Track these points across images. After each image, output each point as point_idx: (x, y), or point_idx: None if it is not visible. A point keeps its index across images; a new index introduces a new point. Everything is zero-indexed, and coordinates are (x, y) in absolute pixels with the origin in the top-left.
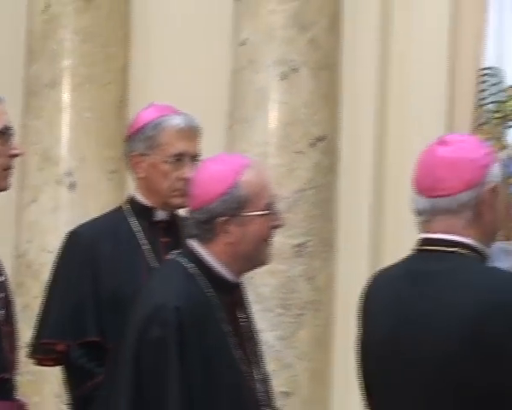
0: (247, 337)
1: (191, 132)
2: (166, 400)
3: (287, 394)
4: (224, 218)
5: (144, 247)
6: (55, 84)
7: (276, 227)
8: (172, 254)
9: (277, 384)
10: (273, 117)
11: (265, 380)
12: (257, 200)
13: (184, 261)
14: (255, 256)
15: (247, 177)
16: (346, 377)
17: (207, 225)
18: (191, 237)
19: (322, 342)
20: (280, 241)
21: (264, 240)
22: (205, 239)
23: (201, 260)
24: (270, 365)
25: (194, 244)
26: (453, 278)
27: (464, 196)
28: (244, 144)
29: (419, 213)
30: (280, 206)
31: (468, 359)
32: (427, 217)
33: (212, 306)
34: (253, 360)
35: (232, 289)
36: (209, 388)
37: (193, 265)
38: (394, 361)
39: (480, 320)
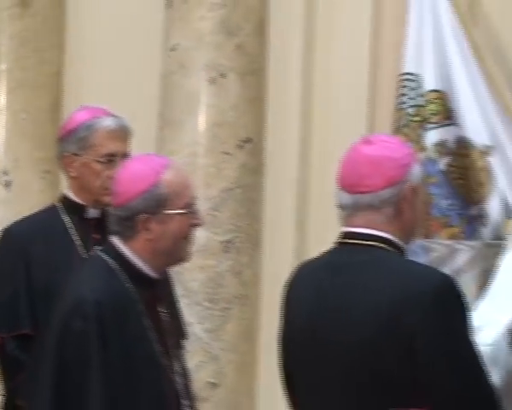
0: (167, 331)
1: (122, 133)
2: (88, 389)
3: (214, 384)
4: (144, 215)
5: (76, 242)
6: None
7: (195, 226)
8: (95, 250)
9: (205, 376)
10: (202, 119)
11: (185, 373)
12: (177, 199)
13: (106, 257)
14: (175, 253)
15: (168, 176)
16: (271, 369)
17: (128, 222)
18: (113, 233)
19: (249, 335)
20: (208, 237)
21: (184, 238)
22: (126, 236)
23: (122, 256)
24: (198, 356)
25: (116, 241)
26: (371, 270)
27: (386, 193)
28: (174, 145)
29: (342, 208)
30: (208, 204)
31: (383, 347)
32: (349, 212)
33: (132, 300)
34: (173, 354)
35: (152, 284)
36: (129, 380)
37: (114, 260)
38: (314, 348)
39: (395, 310)
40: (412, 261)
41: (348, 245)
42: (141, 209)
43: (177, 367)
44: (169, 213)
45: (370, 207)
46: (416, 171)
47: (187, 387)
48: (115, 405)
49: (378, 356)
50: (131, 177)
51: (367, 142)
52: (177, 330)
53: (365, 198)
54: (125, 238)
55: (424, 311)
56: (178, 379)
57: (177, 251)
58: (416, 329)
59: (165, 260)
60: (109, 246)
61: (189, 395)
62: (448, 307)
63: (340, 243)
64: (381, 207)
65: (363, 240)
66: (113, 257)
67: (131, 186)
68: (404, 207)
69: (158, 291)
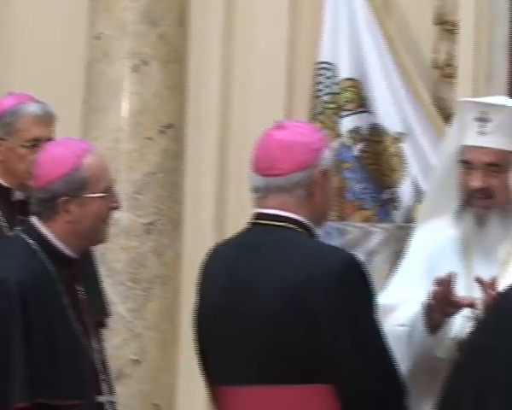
0: (85, 310)
1: (47, 119)
2: (10, 365)
3: (137, 361)
4: (65, 198)
5: (2, 224)
6: None
7: (113, 209)
8: (16, 231)
9: (128, 353)
10: (125, 106)
11: (102, 351)
12: (97, 182)
13: (26, 237)
14: (93, 234)
15: (89, 160)
16: (191, 346)
17: (49, 204)
18: (33, 214)
19: (170, 314)
20: (131, 219)
21: (103, 220)
22: (46, 217)
23: (42, 237)
24: (122, 335)
25: (36, 221)
26: (280, 249)
27: (297, 176)
28: (98, 131)
29: (255, 190)
30: (131, 188)
31: (289, 323)
32: (262, 194)
33: (51, 280)
34: (91, 332)
35: (70, 264)
36: (49, 356)
37: (34, 241)
38: (224, 323)
39: (301, 288)
40: (320, 242)
41: (260, 226)
42: (61, 192)
43: (95, 345)
44: (89, 196)
45: (282, 189)
46: (327, 156)
47: (104, 364)
48: (36, 380)
49: (284, 331)
50: (53, 160)
51: (279, 127)
52: (96, 309)
53: (277, 181)
54: (45, 219)
55: (329, 290)
56: (96, 356)
57: (95, 233)
58: (321, 307)
59: (84, 241)
60: (29, 227)
61: (106, 371)
62: (352, 286)
63: (253, 224)
64: (292, 190)
65: (274, 221)
66: (34, 238)
67: (53, 169)
68: (315, 190)
69: (76, 271)
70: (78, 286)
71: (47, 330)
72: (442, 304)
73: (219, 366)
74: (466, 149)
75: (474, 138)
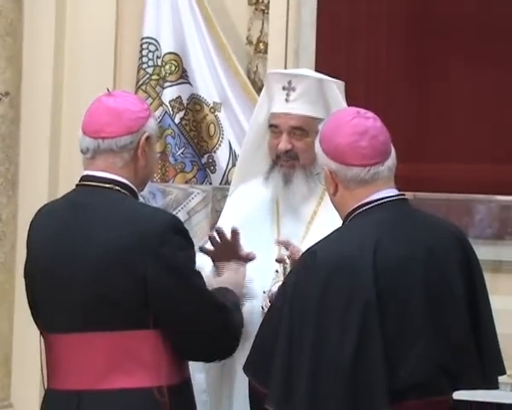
0: None
1: None
2: None
3: None
4: None
5: None
6: None
7: None
8: None
9: None
10: None
11: None
12: None
13: None
14: None
15: None
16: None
17: None
18: None
19: (7, 266)
20: None
21: None
22: None
23: None
24: None
25: None
26: (106, 210)
27: (124, 140)
28: None
29: (85, 151)
30: None
31: (115, 279)
32: (91, 155)
33: None
34: None
35: None
36: None
37: None
38: (51, 278)
39: (125, 247)
40: (143, 204)
41: (88, 187)
42: None
43: None
44: None
45: (110, 151)
46: (152, 124)
47: None
48: None
49: (109, 287)
50: None
51: (109, 95)
52: None
53: (105, 143)
54: None
55: (152, 248)
56: None
57: None
58: (146, 265)
59: None
60: None
61: None
62: (174, 244)
63: (82, 186)
64: (118, 153)
65: (101, 183)
66: None
67: None
68: (139, 154)
69: None
70: None
71: None
72: (225, 255)
73: (48, 316)
74: (274, 115)
75: (280, 105)
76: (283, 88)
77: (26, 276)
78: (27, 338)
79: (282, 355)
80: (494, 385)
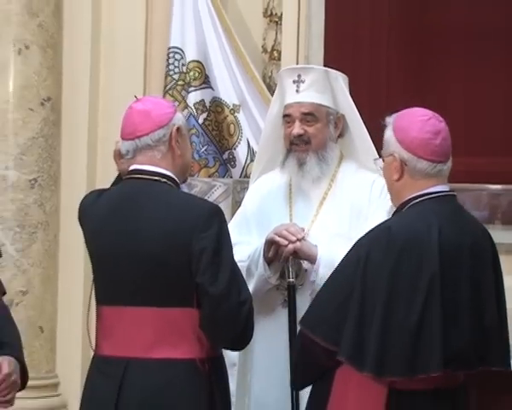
0: None
1: None
2: None
3: (24, 292)
4: None
5: None
6: None
7: None
8: None
9: (17, 285)
10: (11, 83)
11: None
12: None
13: None
14: None
15: None
16: (68, 280)
17: None
18: None
19: (51, 253)
20: (18, 176)
21: None
22: None
23: None
24: (11, 270)
25: None
26: (157, 199)
27: (157, 134)
28: None
29: (125, 154)
30: (17, 150)
31: (167, 259)
32: (132, 155)
33: None
34: None
35: None
36: None
37: None
38: (111, 257)
39: (176, 231)
40: (187, 193)
41: (136, 179)
42: None
43: None
44: None
45: (148, 147)
46: (179, 116)
47: None
48: None
49: (161, 265)
50: None
51: (138, 101)
52: None
53: (142, 141)
54: None
55: (198, 231)
56: None
57: None
58: (193, 244)
59: None
60: None
61: None
62: (217, 227)
63: (130, 179)
64: (155, 146)
65: (147, 175)
66: None
67: None
68: (174, 144)
69: None
70: None
71: None
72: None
73: (103, 290)
74: (287, 106)
75: (292, 96)
76: (294, 81)
77: (92, 256)
78: (70, 317)
79: (354, 315)
80: (509, 367)
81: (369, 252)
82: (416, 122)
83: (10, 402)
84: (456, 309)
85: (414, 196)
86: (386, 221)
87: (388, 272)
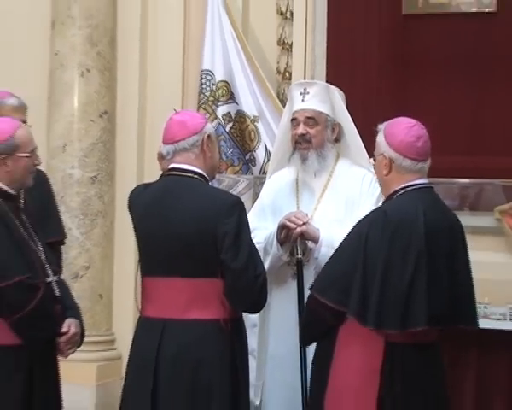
0: (28, 227)
1: (21, 108)
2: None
3: (87, 267)
4: (3, 156)
5: None
6: None
7: (36, 164)
8: None
9: (81, 261)
10: (76, 99)
11: (45, 252)
12: (25, 147)
13: None
14: (23, 180)
15: (20, 132)
16: (122, 257)
17: None
18: None
19: (108, 236)
20: (82, 174)
21: (29, 172)
22: None
23: None
24: (76, 250)
25: None
26: (189, 191)
27: (192, 139)
28: (58, 116)
29: (165, 156)
30: (81, 153)
31: (198, 240)
32: (171, 156)
33: (3, 208)
34: (35, 239)
35: (13, 198)
36: (13, 250)
37: None
38: (152, 237)
39: (205, 217)
40: (214, 187)
41: (174, 176)
42: (1, 151)
43: (40, 248)
44: (19, 155)
45: (184, 149)
46: (209, 126)
47: (48, 261)
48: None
49: (191, 244)
50: None
51: (176, 113)
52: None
53: (180, 145)
54: None
55: (223, 217)
56: (42, 256)
57: (24, 179)
58: (218, 227)
59: (17, 184)
60: None
61: (51, 267)
62: (237, 215)
63: (169, 175)
64: (190, 149)
65: (183, 172)
66: None
67: None
68: (205, 147)
69: (17, 201)
70: (22, 212)
71: (6, 234)
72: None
73: (146, 264)
74: (294, 112)
75: (298, 104)
76: (300, 93)
77: (138, 238)
78: (123, 286)
79: (359, 281)
80: (477, 326)
81: (369, 230)
82: (403, 128)
83: (69, 355)
84: (437, 278)
85: (401, 187)
86: (381, 206)
87: (385, 246)
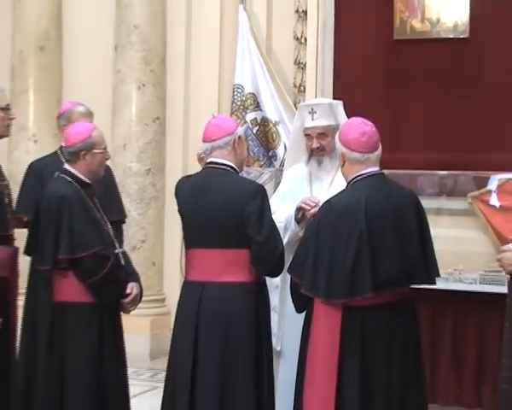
0: (99, 208)
1: (88, 114)
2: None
3: (143, 241)
4: (83, 152)
5: None
6: None
7: (106, 159)
8: (57, 173)
9: (138, 236)
10: (133, 108)
11: (113, 231)
12: (99, 144)
13: (64, 175)
14: (97, 171)
15: (95, 133)
16: (171, 233)
17: (75, 155)
18: (66, 162)
19: (160, 217)
20: (138, 167)
21: (101, 164)
22: (72, 162)
23: (71, 173)
24: (134, 228)
25: (67, 166)
26: (224, 180)
27: (226, 139)
28: (120, 121)
29: (205, 152)
30: (138, 150)
31: (230, 219)
32: (209, 152)
33: (81, 193)
34: (105, 218)
35: (89, 186)
36: (92, 225)
37: (67, 176)
38: (194, 217)
39: (236, 200)
40: (243, 177)
41: (212, 168)
42: (81, 148)
43: (109, 226)
44: (95, 151)
45: (219, 147)
46: (240, 129)
47: (117, 238)
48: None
49: (225, 223)
50: (77, 132)
51: (214, 117)
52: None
53: (216, 143)
54: (72, 164)
55: (249, 200)
56: (110, 232)
57: (98, 171)
58: (245, 208)
59: (92, 175)
60: (64, 170)
61: (118, 242)
62: (260, 199)
63: (208, 168)
64: (224, 147)
65: (219, 165)
66: (67, 174)
67: (77, 136)
68: (236, 146)
69: (92, 190)
70: (94, 197)
71: (86, 216)
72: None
73: (189, 238)
74: (306, 128)
75: (309, 122)
76: (309, 113)
77: (183, 221)
78: (171, 256)
79: (310, 261)
80: (433, 282)
81: (320, 219)
82: (351, 128)
83: (130, 311)
84: (383, 251)
85: (352, 177)
86: (329, 199)
87: (331, 232)
